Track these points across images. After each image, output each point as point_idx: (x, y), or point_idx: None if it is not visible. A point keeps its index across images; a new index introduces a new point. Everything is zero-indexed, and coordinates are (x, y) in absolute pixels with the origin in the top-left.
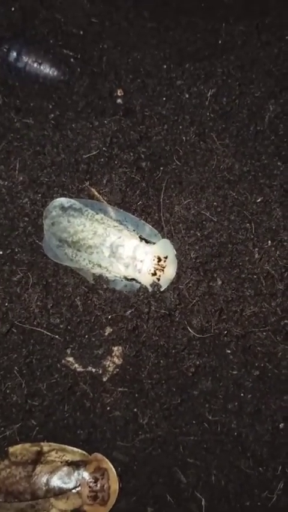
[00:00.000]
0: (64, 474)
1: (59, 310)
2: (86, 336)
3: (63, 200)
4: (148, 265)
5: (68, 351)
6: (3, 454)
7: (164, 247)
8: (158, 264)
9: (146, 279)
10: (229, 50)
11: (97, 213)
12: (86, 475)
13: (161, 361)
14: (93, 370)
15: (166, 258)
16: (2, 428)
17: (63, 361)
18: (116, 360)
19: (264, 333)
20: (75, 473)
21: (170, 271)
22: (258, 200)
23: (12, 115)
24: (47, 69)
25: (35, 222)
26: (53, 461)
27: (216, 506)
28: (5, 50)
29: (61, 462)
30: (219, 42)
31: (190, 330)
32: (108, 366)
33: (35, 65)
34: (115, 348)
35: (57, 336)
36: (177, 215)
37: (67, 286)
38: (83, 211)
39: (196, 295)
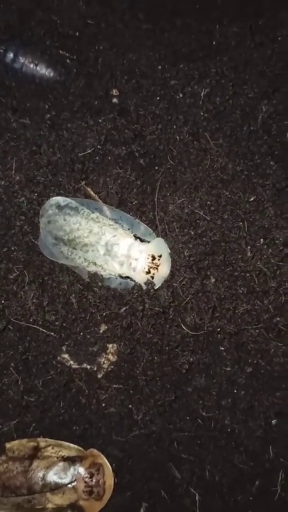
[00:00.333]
0: (60, 469)
1: (55, 307)
2: (81, 333)
3: (59, 199)
4: (142, 263)
5: (64, 347)
6: (0, 449)
7: (158, 245)
8: (152, 263)
9: (141, 277)
10: (223, 51)
11: (93, 212)
12: (81, 470)
13: (155, 358)
14: (89, 367)
15: (160, 256)
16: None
17: (58, 358)
18: (110, 357)
19: (257, 330)
20: (71, 469)
21: (164, 270)
22: (251, 199)
23: (9, 115)
24: (43, 70)
25: (31, 220)
26: (49, 457)
27: (210, 501)
28: (1, 51)
29: (57, 457)
30: (213, 43)
31: (184, 327)
32: (103, 363)
33: (32, 65)
34: (110, 345)
35: (52, 333)
36: (171, 214)
37: (63, 283)
38: (79, 210)
39: (190, 293)
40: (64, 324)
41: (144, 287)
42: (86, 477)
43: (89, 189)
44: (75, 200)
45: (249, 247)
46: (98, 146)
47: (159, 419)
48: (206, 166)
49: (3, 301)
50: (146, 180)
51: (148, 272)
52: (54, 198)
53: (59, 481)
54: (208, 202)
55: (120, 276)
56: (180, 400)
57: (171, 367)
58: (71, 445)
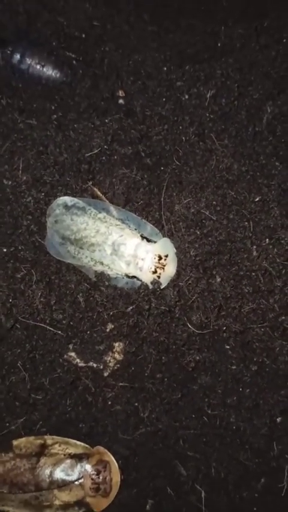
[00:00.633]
0: (67, 466)
1: (62, 306)
2: (88, 332)
3: (66, 199)
4: (149, 263)
5: (71, 346)
6: (7, 446)
7: (164, 245)
8: (159, 262)
9: (147, 277)
10: (228, 53)
11: (100, 212)
12: (88, 467)
13: (162, 356)
14: (95, 365)
15: (166, 256)
16: (7, 424)
17: (65, 356)
18: (117, 355)
19: (262, 329)
20: (78, 466)
21: (170, 269)
22: (257, 199)
23: (15, 116)
24: (49, 71)
25: (38, 220)
26: (56, 454)
27: (216, 498)
28: (8, 52)
29: (64, 455)
30: (219, 44)
31: (190, 326)
32: (110, 361)
33: (38, 66)
34: (116, 344)
35: (59, 332)
36: (177, 214)
37: (70, 283)
38: (86, 210)
39: (196, 292)
40: (71, 323)
41: (151, 286)
42: (93, 474)
43: (95, 189)
44: (82, 200)
45: (254, 246)
46: (105, 146)
47: (165, 417)
48: (211, 166)
49: (10, 300)
50: (152, 181)
51: (154, 272)
52: (61, 197)
53: (66, 478)
54: (214, 202)
55: (127, 276)
56: (186, 398)
57: (177, 365)
58: (78, 442)
